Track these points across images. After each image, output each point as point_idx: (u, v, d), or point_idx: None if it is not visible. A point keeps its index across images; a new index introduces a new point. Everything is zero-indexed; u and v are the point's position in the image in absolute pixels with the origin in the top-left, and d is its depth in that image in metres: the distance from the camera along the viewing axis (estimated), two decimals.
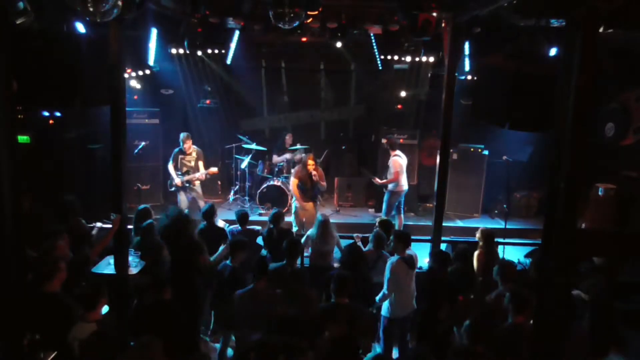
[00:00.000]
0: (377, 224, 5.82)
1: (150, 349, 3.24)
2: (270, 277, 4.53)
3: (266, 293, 4.39)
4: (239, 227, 5.99)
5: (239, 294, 4.40)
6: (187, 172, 7.92)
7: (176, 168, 7.91)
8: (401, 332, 5.15)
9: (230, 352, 5.12)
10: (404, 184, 7.95)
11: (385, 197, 8.06)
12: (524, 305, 3.91)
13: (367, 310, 4.07)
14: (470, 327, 3.70)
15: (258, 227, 6.38)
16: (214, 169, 8.16)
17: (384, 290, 4.95)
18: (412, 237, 6.75)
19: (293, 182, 7.58)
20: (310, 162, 7.51)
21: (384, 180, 8.01)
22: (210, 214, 6.02)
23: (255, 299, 4.33)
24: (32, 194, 5.80)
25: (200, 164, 8.02)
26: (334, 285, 4.16)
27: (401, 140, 9.38)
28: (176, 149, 7.98)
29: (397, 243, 5.16)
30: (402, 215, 8.14)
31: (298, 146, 9.40)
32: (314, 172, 7.45)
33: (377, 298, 5.04)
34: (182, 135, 8.01)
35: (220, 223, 6.95)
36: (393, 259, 5.01)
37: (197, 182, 8.08)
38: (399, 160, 7.85)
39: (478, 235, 5.59)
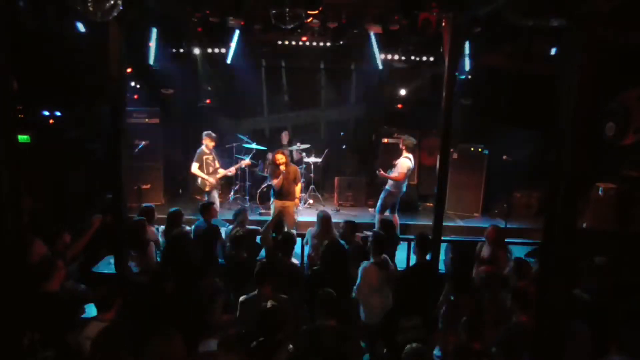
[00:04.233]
0: (378, 223, 5.78)
1: (170, 341, 3.24)
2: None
3: (271, 299, 4.27)
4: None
5: (243, 299, 4.29)
6: (214, 172, 7.86)
7: (200, 169, 7.76)
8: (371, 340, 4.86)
9: None
10: (404, 187, 7.93)
11: (382, 195, 8.01)
12: (526, 304, 3.90)
13: (353, 334, 3.85)
14: (467, 324, 3.69)
15: (258, 227, 6.38)
16: (248, 161, 8.40)
17: (354, 295, 4.81)
18: (413, 237, 6.80)
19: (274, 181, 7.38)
20: (279, 157, 7.20)
21: (388, 175, 7.90)
22: (206, 210, 6.03)
23: (260, 304, 4.24)
24: (32, 195, 5.80)
25: (216, 162, 8.01)
26: (319, 306, 3.89)
27: (401, 140, 9.42)
28: (199, 149, 7.85)
29: (374, 246, 4.92)
30: (396, 215, 8.11)
31: (298, 145, 9.42)
32: (282, 168, 7.13)
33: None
34: (206, 133, 7.86)
35: None
36: (365, 263, 4.86)
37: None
38: (408, 163, 7.73)
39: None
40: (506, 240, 5.87)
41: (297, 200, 7.64)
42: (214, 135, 7.90)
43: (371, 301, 4.81)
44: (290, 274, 4.82)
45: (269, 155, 9.63)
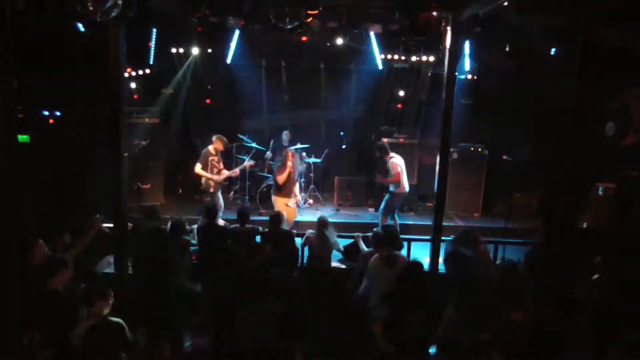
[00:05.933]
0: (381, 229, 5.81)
1: (157, 346, 3.24)
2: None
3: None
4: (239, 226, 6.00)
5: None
6: (218, 173, 7.84)
7: (204, 170, 7.70)
8: None
9: None
10: (406, 185, 7.86)
11: (386, 198, 7.97)
12: (516, 302, 3.89)
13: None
14: (474, 317, 3.69)
15: (259, 227, 6.37)
16: (251, 162, 8.46)
17: (364, 283, 4.97)
18: (412, 237, 6.81)
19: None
20: (291, 155, 7.41)
21: (387, 179, 7.92)
22: (210, 211, 6.01)
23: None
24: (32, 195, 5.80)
25: (221, 163, 7.98)
26: None
27: (401, 140, 9.38)
28: (204, 150, 7.80)
29: (374, 243, 5.22)
30: (396, 217, 8.08)
31: (298, 145, 9.41)
32: (289, 164, 7.28)
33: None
34: (217, 136, 7.85)
35: (220, 222, 6.95)
36: (372, 257, 5.06)
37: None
38: (397, 161, 7.77)
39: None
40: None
41: (298, 198, 7.70)
42: (225, 140, 7.86)
43: (374, 291, 4.83)
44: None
45: (268, 155, 9.64)
